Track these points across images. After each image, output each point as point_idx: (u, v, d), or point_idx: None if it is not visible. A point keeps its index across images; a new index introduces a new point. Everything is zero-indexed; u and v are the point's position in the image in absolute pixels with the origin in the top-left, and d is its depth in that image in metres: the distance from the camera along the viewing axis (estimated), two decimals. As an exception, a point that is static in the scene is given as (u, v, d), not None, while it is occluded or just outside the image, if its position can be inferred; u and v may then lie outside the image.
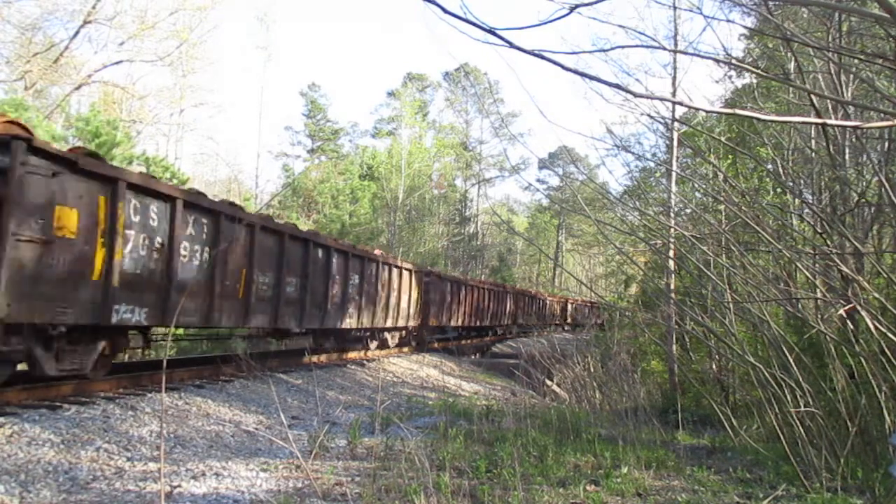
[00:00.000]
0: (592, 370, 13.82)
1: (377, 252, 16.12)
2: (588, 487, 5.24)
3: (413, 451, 5.24)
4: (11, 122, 6.22)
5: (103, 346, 7.59)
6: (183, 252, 8.24)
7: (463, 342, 22.10)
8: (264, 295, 10.19)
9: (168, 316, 7.95)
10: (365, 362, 14.25)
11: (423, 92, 57.74)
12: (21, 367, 6.94)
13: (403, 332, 17.75)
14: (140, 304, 7.56)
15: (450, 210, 52.73)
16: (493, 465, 5.66)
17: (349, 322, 13.47)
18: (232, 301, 9.34)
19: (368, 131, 56.62)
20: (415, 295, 17.66)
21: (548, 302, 35.86)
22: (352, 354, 14.74)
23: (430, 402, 10.71)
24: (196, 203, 8.49)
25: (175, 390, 8.14)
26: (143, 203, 7.55)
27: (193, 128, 36.08)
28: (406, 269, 17.06)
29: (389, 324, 15.91)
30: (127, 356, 11.80)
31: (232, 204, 9.77)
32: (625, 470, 5.79)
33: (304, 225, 30.75)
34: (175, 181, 18.43)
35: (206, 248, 8.77)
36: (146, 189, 7.58)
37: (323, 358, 13.26)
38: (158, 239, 7.85)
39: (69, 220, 6.57)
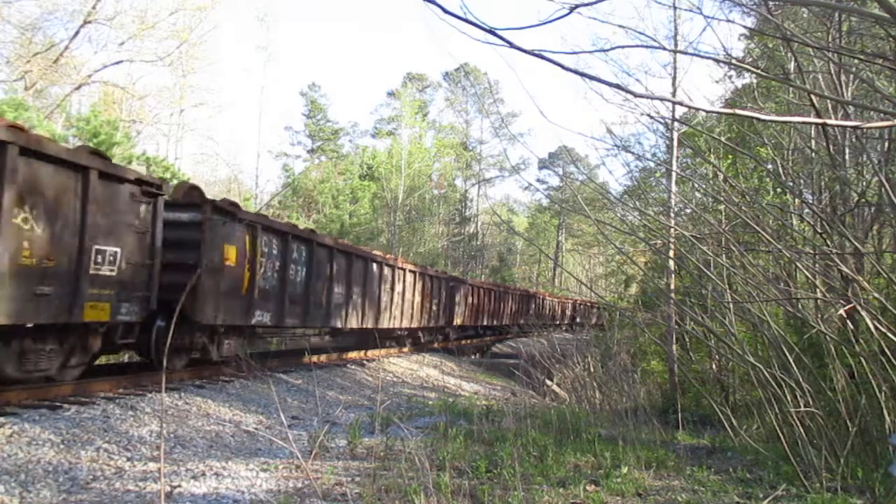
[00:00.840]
0: (592, 370, 13.83)
1: (413, 265, 18.93)
2: (588, 487, 5.24)
3: (413, 451, 5.24)
4: (193, 188, 9.75)
5: (244, 340, 10.74)
6: (291, 272, 11.24)
7: (463, 342, 22.12)
8: (339, 302, 13.33)
9: (282, 318, 10.99)
10: (365, 362, 14.25)
11: (423, 92, 57.74)
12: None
13: (434, 331, 20.29)
14: (267, 309, 10.57)
15: (450, 210, 52.71)
16: (493, 465, 5.66)
17: (394, 322, 16.50)
18: (319, 307, 12.44)
19: (368, 131, 56.66)
20: (443, 298, 20.36)
21: (548, 302, 35.87)
22: (352, 354, 14.75)
23: (430, 402, 10.71)
24: (298, 235, 11.69)
25: (175, 390, 8.15)
26: (268, 238, 10.59)
27: (193, 128, 35.95)
28: (432, 276, 19.57)
29: (423, 324, 18.61)
30: (127, 356, 11.79)
31: (312, 231, 13.19)
32: (625, 470, 5.79)
33: (305, 225, 30.77)
34: (175, 181, 18.44)
35: (304, 269, 11.76)
36: (271, 228, 10.74)
37: (323, 358, 13.28)
38: (277, 263, 10.89)
39: (231, 253, 9.51)
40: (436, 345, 20.15)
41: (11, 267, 5.94)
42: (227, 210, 9.41)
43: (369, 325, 14.97)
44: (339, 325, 13.47)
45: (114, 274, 7.38)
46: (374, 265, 15.25)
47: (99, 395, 7.32)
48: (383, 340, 17.12)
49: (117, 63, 26.73)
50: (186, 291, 5.14)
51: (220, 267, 9.18)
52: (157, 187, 8.08)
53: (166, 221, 8.43)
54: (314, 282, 12.02)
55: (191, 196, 9.38)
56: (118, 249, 7.44)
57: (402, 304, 16.95)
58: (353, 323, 14.12)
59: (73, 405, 6.57)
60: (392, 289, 16.24)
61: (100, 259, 7.12)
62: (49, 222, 6.43)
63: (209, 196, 9.76)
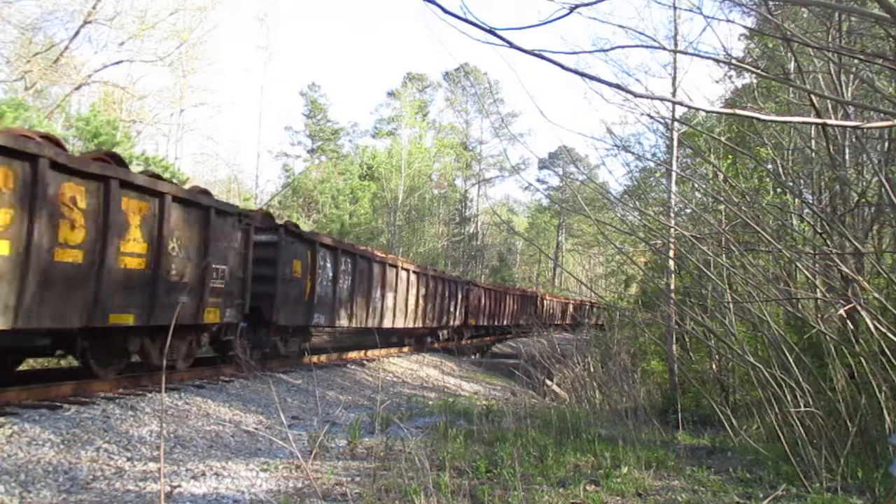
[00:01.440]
0: (592, 370, 13.83)
1: (435, 269, 21.63)
2: (588, 487, 5.24)
3: (413, 451, 5.24)
4: (268, 214, 11.95)
5: (304, 337, 12.87)
6: (341, 281, 13.54)
7: (463, 342, 22.13)
8: (377, 305, 15.70)
9: (334, 319, 13.47)
10: (365, 362, 14.25)
11: (423, 92, 57.72)
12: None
13: (452, 330, 22.09)
14: (322, 313, 12.84)
15: (450, 210, 52.69)
16: (493, 465, 5.66)
17: (421, 322, 18.96)
18: (363, 309, 14.84)
19: (368, 131, 56.59)
20: (459, 300, 22.52)
21: (548, 302, 35.87)
22: (352, 354, 14.76)
23: (430, 402, 10.71)
24: (345, 249, 14.07)
25: (175, 390, 8.15)
26: (323, 252, 12.79)
27: (193, 128, 35.89)
28: (452, 281, 21.92)
29: (443, 323, 20.81)
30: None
31: (353, 245, 15.76)
32: (625, 470, 5.79)
33: (305, 225, 30.77)
34: (175, 181, 18.47)
35: (350, 277, 14.13)
36: (325, 244, 12.95)
37: (323, 358, 13.29)
38: (330, 274, 13.15)
39: (297, 266, 11.71)
40: (436, 345, 20.16)
41: (165, 283, 7.94)
42: (295, 231, 11.79)
43: (399, 325, 17.54)
44: (380, 324, 16.06)
45: (222, 286, 9.36)
46: (403, 272, 17.40)
47: (99, 395, 7.32)
48: (387, 339, 18.61)
49: (117, 63, 26.72)
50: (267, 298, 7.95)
51: (290, 278, 11.38)
52: (250, 217, 10.44)
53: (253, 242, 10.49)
54: (358, 287, 14.47)
55: (267, 221, 11.44)
56: (226, 267, 9.45)
57: (425, 306, 19.31)
58: (389, 323, 16.66)
59: (73, 405, 6.58)
60: (416, 292, 18.58)
61: (215, 275, 9.13)
62: (186, 249, 8.44)
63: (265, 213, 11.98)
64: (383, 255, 17.04)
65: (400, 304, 17.09)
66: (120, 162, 7.45)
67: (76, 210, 6.55)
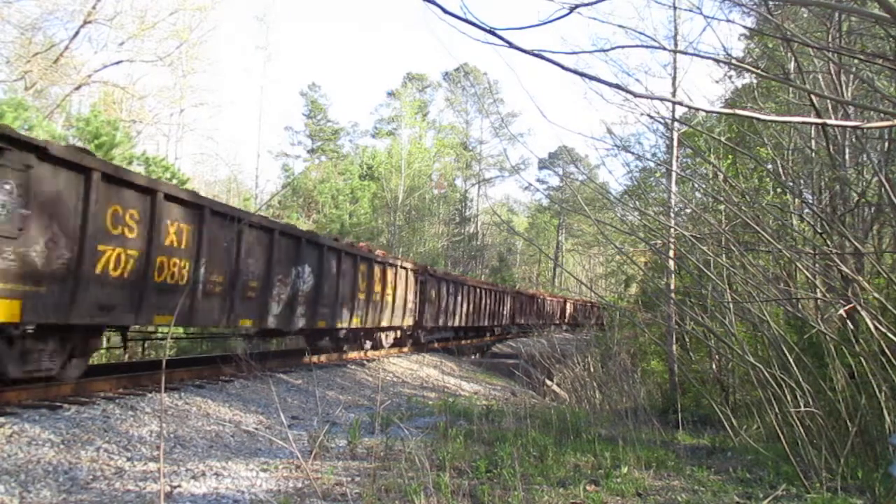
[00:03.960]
0: (592, 370, 13.83)
1: (454, 274, 24.28)
2: (588, 487, 5.24)
3: (413, 451, 5.24)
4: (368, 247, 15.37)
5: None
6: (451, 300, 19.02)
7: (463, 342, 22.13)
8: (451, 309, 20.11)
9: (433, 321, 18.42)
10: (365, 362, 14.25)
11: (423, 92, 57.75)
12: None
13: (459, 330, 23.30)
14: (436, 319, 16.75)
15: (450, 210, 52.70)
16: (493, 465, 5.66)
17: (453, 322, 21.04)
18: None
19: (368, 131, 56.66)
20: (477, 301, 24.31)
21: (548, 302, 35.85)
22: (352, 354, 14.74)
23: (430, 402, 10.71)
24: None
25: (175, 390, 8.14)
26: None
27: (193, 128, 35.99)
28: (501, 291, 25.78)
29: (452, 323, 21.93)
30: (127, 356, 11.79)
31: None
32: (625, 470, 5.79)
33: (304, 225, 30.75)
34: (175, 181, 18.55)
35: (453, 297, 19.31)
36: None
37: (323, 358, 13.27)
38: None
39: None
40: (436, 345, 20.15)
41: (241, 291, 9.56)
42: (390, 261, 15.89)
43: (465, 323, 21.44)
44: (456, 324, 20.55)
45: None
46: (432, 279, 19.22)
47: (99, 395, 7.31)
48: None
49: (117, 63, 26.72)
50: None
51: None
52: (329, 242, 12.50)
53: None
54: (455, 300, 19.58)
55: (352, 248, 13.82)
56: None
57: (458, 308, 21.56)
58: (457, 322, 20.87)
59: (73, 405, 6.57)
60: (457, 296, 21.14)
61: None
62: (257, 261, 10.02)
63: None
64: (457, 276, 21.48)
65: (441, 308, 19.90)
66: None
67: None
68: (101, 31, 27.57)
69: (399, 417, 8.34)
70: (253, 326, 10.18)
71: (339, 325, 12.94)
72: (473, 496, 4.72)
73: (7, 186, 5.90)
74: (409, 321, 16.99)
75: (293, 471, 5.55)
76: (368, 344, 15.39)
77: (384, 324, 15.43)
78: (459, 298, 21.18)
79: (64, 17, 28.56)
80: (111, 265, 7.16)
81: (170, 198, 7.96)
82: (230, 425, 7.32)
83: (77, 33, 24.83)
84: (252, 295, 9.89)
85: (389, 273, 15.49)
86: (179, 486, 4.90)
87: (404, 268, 16.46)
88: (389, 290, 15.56)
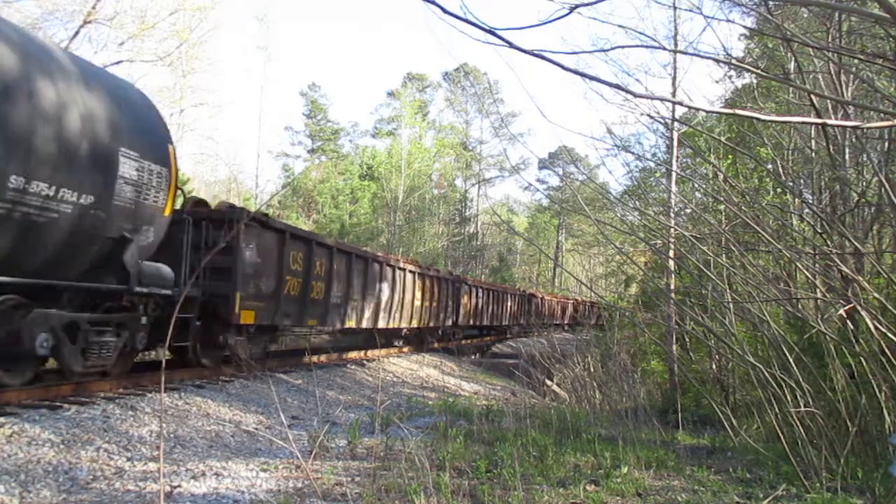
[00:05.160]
0: (592, 370, 13.82)
1: (471, 278, 25.66)
2: (588, 487, 5.24)
3: (413, 451, 5.24)
4: (416, 262, 19.73)
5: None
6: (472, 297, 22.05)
7: (463, 342, 22.15)
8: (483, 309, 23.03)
9: (450, 320, 20.74)
10: (365, 362, 14.25)
11: (423, 92, 57.71)
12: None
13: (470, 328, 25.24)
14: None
15: (450, 210, 52.71)
16: (493, 465, 5.66)
17: (481, 321, 24.10)
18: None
19: (368, 131, 56.59)
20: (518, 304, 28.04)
21: (548, 302, 35.86)
22: (352, 354, 14.75)
23: (430, 402, 10.71)
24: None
25: (175, 390, 8.14)
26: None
27: (193, 128, 35.80)
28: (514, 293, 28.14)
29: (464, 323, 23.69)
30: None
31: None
32: (625, 470, 5.79)
33: (304, 225, 30.75)
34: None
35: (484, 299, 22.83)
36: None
37: (323, 358, 13.28)
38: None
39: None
40: (436, 345, 20.17)
41: (350, 302, 13.48)
42: (455, 278, 21.07)
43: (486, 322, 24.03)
44: (485, 323, 23.84)
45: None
46: (465, 286, 22.36)
47: (99, 395, 7.31)
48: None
49: (117, 63, 26.69)
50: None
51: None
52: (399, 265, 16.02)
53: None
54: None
55: (417, 266, 17.45)
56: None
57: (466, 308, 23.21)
58: (486, 321, 23.92)
59: (73, 405, 6.57)
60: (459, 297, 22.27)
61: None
62: (358, 280, 13.67)
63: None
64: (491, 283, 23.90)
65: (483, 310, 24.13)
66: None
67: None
68: (101, 31, 27.55)
69: (399, 417, 8.34)
70: (356, 325, 14.08)
71: (401, 326, 16.90)
72: (473, 496, 4.72)
73: (251, 246, 9.70)
74: (449, 322, 20.98)
75: (293, 471, 5.55)
76: (432, 339, 19.86)
77: (431, 324, 19.17)
78: (487, 300, 25.25)
79: (64, 17, 28.49)
80: (291, 289, 10.92)
81: (318, 244, 11.89)
82: (230, 425, 7.32)
83: (77, 33, 24.80)
84: (355, 304, 13.75)
85: (435, 283, 19.28)
86: (179, 486, 4.90)
87: (446, 279, 20.67)
88: (436, 297, 19.34)
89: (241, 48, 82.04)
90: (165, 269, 8.01)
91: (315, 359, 12.93)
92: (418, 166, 43.85)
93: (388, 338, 17.40)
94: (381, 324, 15.32)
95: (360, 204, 38.14)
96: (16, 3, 25.61)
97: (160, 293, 7.88)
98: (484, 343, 26.33)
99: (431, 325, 18.90)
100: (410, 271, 17.10)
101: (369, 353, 15.60)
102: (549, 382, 19.25)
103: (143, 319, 7.83)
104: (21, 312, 6.27)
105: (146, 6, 29.03)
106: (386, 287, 15.43)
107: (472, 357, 22.37)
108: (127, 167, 7.02)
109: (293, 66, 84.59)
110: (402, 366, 15.51)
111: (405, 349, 18.02)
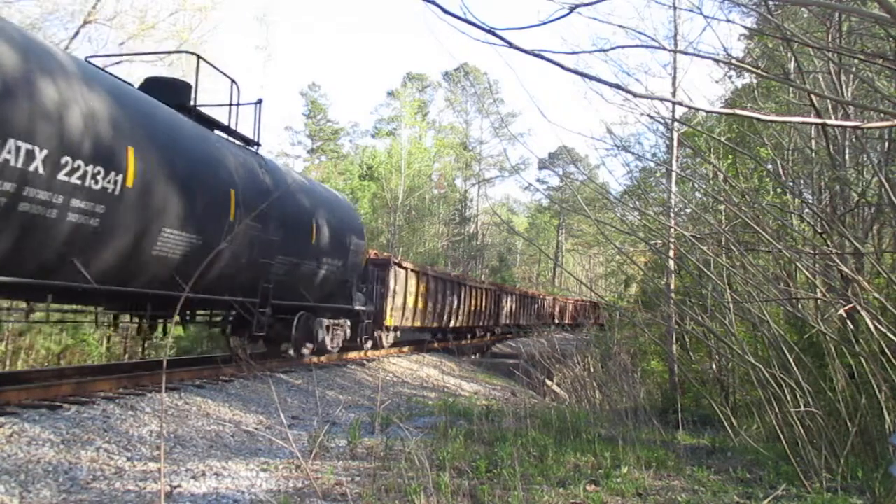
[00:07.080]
0: (592, 370, 13.82)
1: (508, 286, 31.73)
2: (588, 487, 5.24)
3: (413, 451, 5.24)
4: (467, 277, 28.02)
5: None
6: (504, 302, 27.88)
7: (463, 342, 22.18)
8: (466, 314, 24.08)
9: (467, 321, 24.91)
10: (365, 362, 14.25)
11: (423, 92, 57.68)
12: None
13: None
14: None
15: (450, 210, 52.70)
16: (493, 465, 5.66)
17: (512, 321, 28.83)
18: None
19: (368, 131, 56.51)
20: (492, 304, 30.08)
21: (548, 302, 35.89)
22: (352, 354, 14.75)
23: (430, 402, 10.71)
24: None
25: (175, 390, 8.14)
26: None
27: (193, 128, 35.78)
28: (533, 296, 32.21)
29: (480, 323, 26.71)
30: (127, 356, 11.80)
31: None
32: (625, 470, 5.79)
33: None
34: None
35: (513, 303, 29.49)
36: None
37: (323, 358, 13.27)
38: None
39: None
40: (436, 345, 20.19)
41: (440, 310, 19.80)
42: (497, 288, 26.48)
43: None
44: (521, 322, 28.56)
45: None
46: (511, 296, 29.41)
47: (99, 394, 7.31)
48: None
49: (117, 63, 26.68)
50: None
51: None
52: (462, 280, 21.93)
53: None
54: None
55: (477, 282, 22.55)
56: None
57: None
58: (521, 321, 28.77)
59: (73, 405, 6.57)
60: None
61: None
62: (443, 295, 20.48)
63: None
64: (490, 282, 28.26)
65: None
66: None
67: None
68: (101, 32, 27.58)
69: (399, 417, 8.34)
70: (439, 325, 20.19)
71: (464, 325, 22.72)
72: (473, 496, 4.72)
73: (390, 276, 16.19)
74: (490, 322, 26.11)
75: (293, 471, 5.55)
76: (486, 334, 26.57)
77: (480, 324, 24.85)
78: (509, 302, 29.17)
79: (64, 17, 28.55)
80: (411, 302, 17.37)
81: (422, 273, 18.58)
82: (230, 425, 7.32)
83: (77, 33, 24.81)
84: (439, 310, 19.91)
85: (484, 294, 25.02)
86: (179, 486, 4.90)
87: (489, 289, 26.01)
88: (485, 303, 25.04)
89: (241, 48, 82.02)
90: (363, 296, 14.31)
91: (315, 359, 12.92)
92: (418, 166, 43.83)
93: (453, 334, 22.37)
94: (452, 323, 21.35)
95: (360, 204, 38.10)
96: (16, 4, 25.61)
97: (364, 309, 14.19)
98: (484, 343, 26.38)
99: (480, 324, 24.68)
100: (470, 286, 23.35)
101: (369, 353, 15.60)
102: (549, 382, 19.26)
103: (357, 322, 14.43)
104: (312, 318, 12.04)
105: (146, 6, 29.06)
106: (456, 298, 21.58)
107: (472, 357, 22.39)
108: (353, 245, 13.03)
109: (293, 65, 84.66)
110: (402, 366, 15.51)
111: (405, 349, 18.04)
